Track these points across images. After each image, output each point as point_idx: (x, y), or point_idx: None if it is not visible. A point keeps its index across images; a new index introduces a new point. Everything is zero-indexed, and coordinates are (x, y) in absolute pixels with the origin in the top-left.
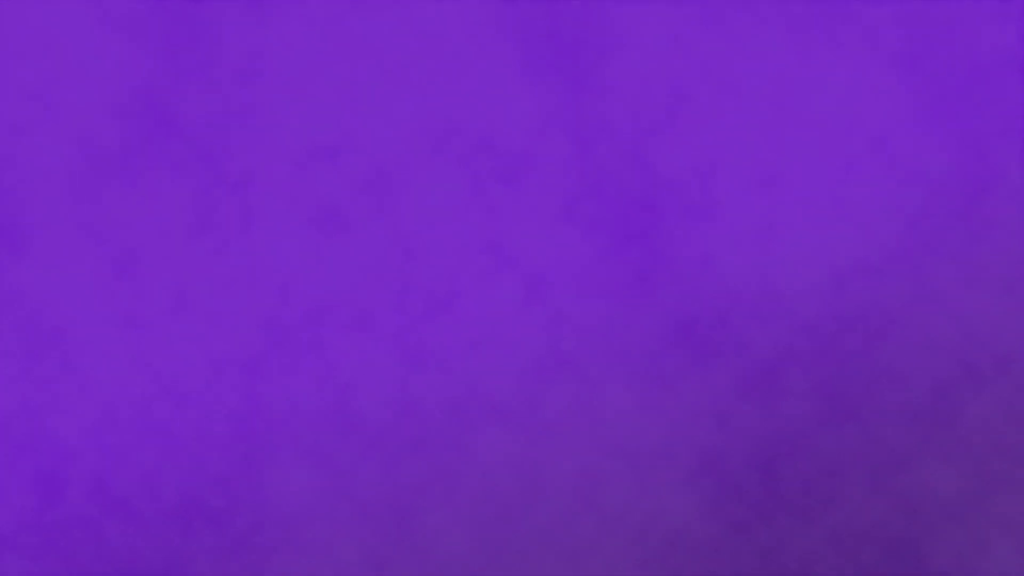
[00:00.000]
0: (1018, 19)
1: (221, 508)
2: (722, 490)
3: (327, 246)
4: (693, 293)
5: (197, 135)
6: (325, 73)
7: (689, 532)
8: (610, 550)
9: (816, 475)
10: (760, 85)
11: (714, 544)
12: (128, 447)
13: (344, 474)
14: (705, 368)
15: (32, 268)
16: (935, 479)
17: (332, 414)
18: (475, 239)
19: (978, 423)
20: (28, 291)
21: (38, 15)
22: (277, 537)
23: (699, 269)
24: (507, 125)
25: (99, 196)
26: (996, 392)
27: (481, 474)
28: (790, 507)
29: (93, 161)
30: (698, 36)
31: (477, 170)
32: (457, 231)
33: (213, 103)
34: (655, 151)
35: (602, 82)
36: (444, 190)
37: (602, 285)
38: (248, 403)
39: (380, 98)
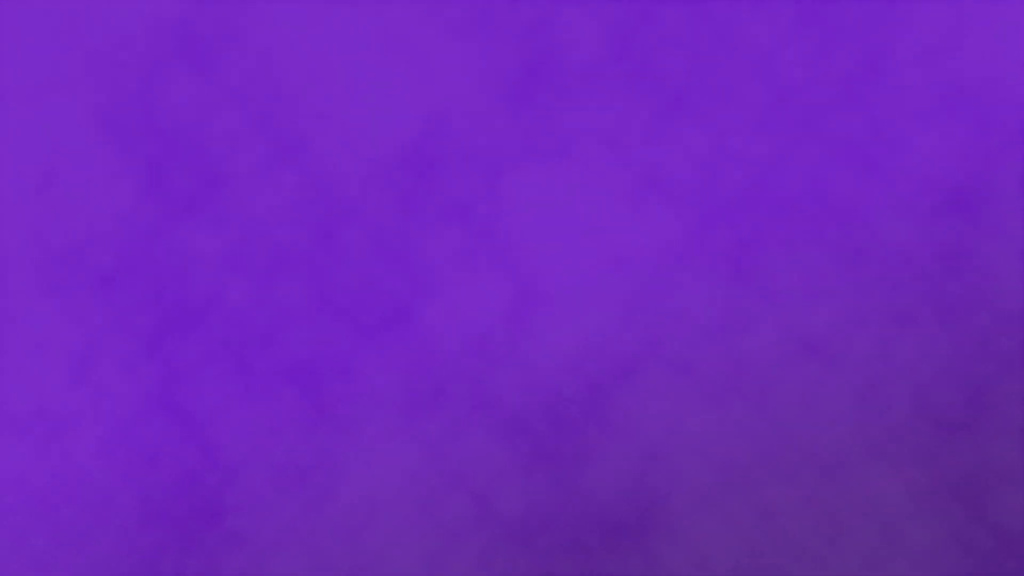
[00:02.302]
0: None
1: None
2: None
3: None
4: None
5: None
6: (322, 72)
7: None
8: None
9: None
10: (761, 83)
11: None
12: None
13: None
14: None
15: None
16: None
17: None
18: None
19: (988, 425)
20: None
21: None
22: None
23: (703, 267)
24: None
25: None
26: (999, 393)
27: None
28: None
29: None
30: (695, 34)
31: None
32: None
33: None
34: (654, 150)
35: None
36: (427, 195)
37: (604, 286)
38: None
39: (376, 97)
